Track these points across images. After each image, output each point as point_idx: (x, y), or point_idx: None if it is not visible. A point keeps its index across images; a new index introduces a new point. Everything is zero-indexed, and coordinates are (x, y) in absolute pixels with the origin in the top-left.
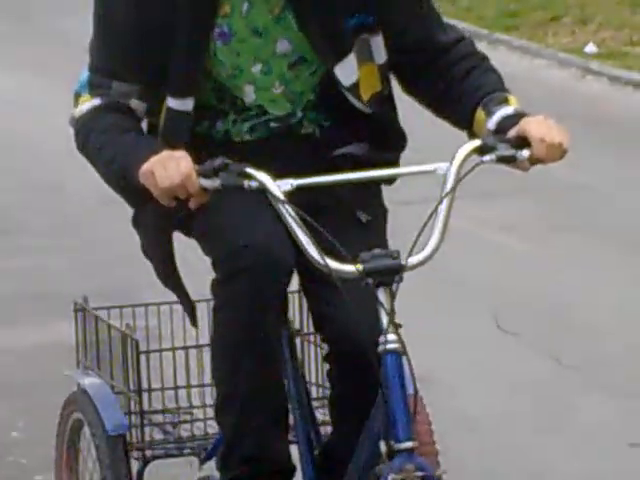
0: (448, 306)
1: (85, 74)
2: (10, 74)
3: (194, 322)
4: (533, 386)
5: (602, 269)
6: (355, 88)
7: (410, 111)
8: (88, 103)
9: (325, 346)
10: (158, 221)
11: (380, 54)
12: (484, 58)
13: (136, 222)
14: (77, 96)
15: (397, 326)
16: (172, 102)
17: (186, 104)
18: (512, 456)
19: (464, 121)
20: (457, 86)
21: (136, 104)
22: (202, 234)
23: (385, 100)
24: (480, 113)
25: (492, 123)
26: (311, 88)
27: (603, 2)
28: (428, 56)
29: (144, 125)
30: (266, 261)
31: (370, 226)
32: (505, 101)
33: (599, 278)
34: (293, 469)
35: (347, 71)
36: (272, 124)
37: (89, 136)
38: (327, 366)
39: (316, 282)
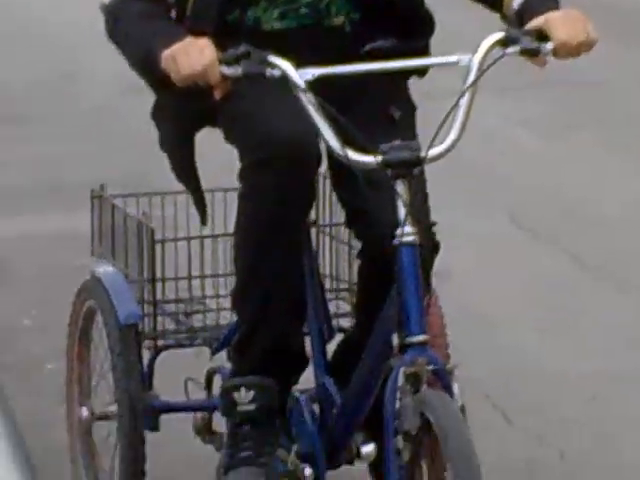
0: (463, 201)
1: None
2: None
3: (204, 220)
4: (547, 283)
5: (619, 166)
6: None
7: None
8: None
9: (343, 244)
10: (179, 112)
11: None
12: None
13: (155, 114)
14: None
15: (430, 222)
16: None
17: None
18: (523, 354)
19: (495, 4)
20: None
21: None
22: (229, 121)
23: None
24: None
25: (516, 3)
26: None
27: None
28: None
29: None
30: (294, 151)
31: (401, 122)
32: None
33: (615, 174)
34: (307, 361)
35: None
36: (302, 10)
37: (117, 23)
38: (357, 264)
39: (347, 176)
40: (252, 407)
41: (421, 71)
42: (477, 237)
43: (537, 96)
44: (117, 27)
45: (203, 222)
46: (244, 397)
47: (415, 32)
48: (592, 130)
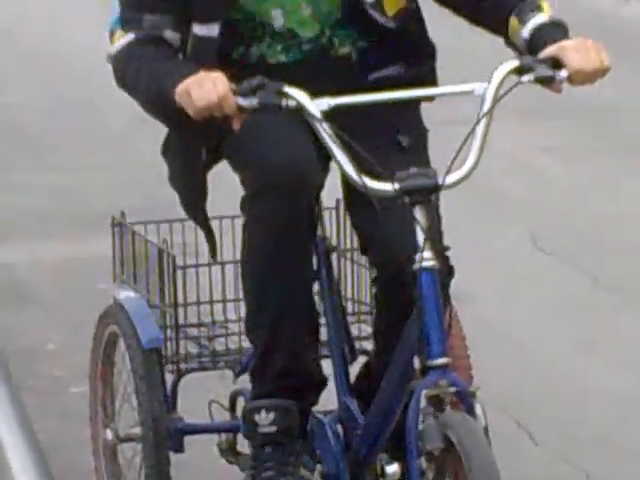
0: (486, 225)
1: (116, 9)
2: None
3: (213, 252)
4: (570, 305)
5: None
6: (378, 4)
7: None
8: (123, 39)
9: (363, 268)
10: (188, 148)
11: None
12: None
13: (165, 150)
14: (112, 33)
15: (443, 246)
16: (197, 28)
17: (211, 29)
18: (548, 374)
19: (499, 30)
20: None
21: (170, 35)
22: (232, 151)
23: (412, 15)
24: (514, 21)
25: (526, 31)
26: (337, 6)
27: None
28: None
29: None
30: (293, 179)
31: (411, 149)
32: (538, 8)
33: (637, 199)
34: (324, 382)
35: None
36: (304, 46)
37: (126, 69)
38: (373, 288)
39: (363, 204)
40: (273, 429)
41: (432, 98)
42: (500, 259)
43: (559, 121)
44: (127, 73)
45: (212, 255)
46: (265, 419)
47: (420, 58)
48: (613, 155)
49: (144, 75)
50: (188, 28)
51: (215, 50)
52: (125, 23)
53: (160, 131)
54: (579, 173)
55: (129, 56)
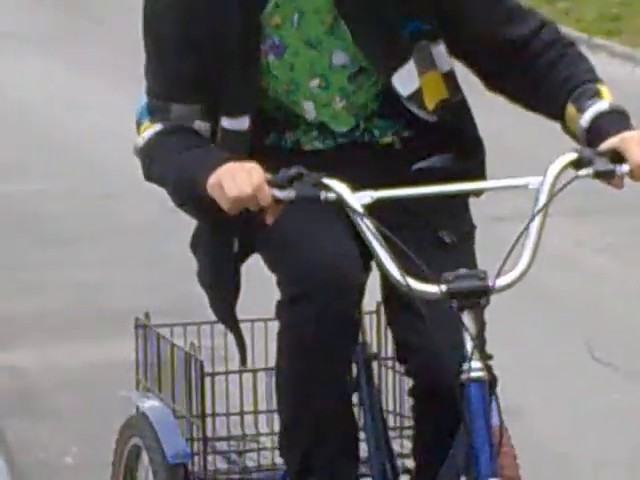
0: (540, 331)
1: (143, 99)
2: (69, 74)
3: (243, 359)
4: (626, 418)
5: None
6: (417, 97)
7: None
8: (150, 130)
9: (407, 377)
10: (220, 241)
11: (444, 61)
12: (570, 44)
13: (195, 244)
14: (138, 125)
15: (486, 355)
16: (226, 122)
17: (241, 123)
18: None
19: (556, 116)
20: (543, 80)
21: (199, 125)
22: (267, 247)
23: (456, 107)
24: (571, 108)
25: (585, 121)
26: (374, 97)
27: None
28: (505, 51)
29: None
30: (334, 284)
31: (455, 246)
32: (597, 94)
33: None
34: None
35: (406, 80)
36: (339, 139)
37: (154, 160)
38: (411, 400)
39: (402, 309)
40: None
41: (480, 192)
42: (552, 369)
43: (617, 220)
44: (155, 165)
45: (243, 361)
46: None
47: (468, 151)
48: None
49: (173, 166)
50: (217, 118)
51: (246, 141)
52: (152, 114)
53: (188, 224)
54: (635, 274)
55: (157, 146)
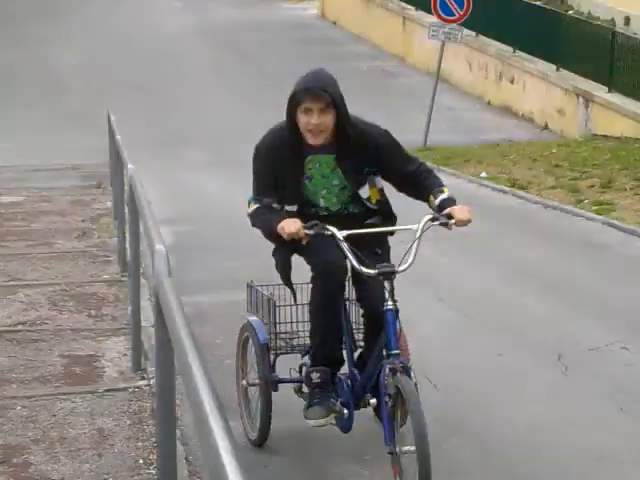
0: (414, 293)
1: (250, 194)
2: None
3: (294, 297)
4: (453, 338)
5: None
6: (368, 199)
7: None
8: (253, 206)
9: (360, 308)
10: (283, 251)
11: (379, 183)
12: (431, 171)
13: (273, 253)
14: (249, 204)
15: (394, 299)
16: (288, 207)
17: (293, 208)
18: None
19: (424, 201)
20: (420, 187)
21: (275, 206)
22: (306, 256)
23: (383, 202)
24: (431, 197)
25: (437, 202)
26: (348, 198)
27: (489, 154)
28: (406, 177)
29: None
30: (335, 269)
31: (382, 255)
32: (442, 191)
33: None
34: (343, 361)
35: (363, 192)
36: (334, 212)
37: (256, 220)
38: (363, 318)
39: (359, 280)
40: (319, 381)
41: (393, 232)
42: (420, 307)
43: (450, 242)
44: (257, 221)
45: (294, 299)
46: (315, 376)
47: (388, 220)
48: None
49: (264, 220)
50: (282, 206)
51: (296, 214)
52: (255, 200)
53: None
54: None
55: (256, 214)
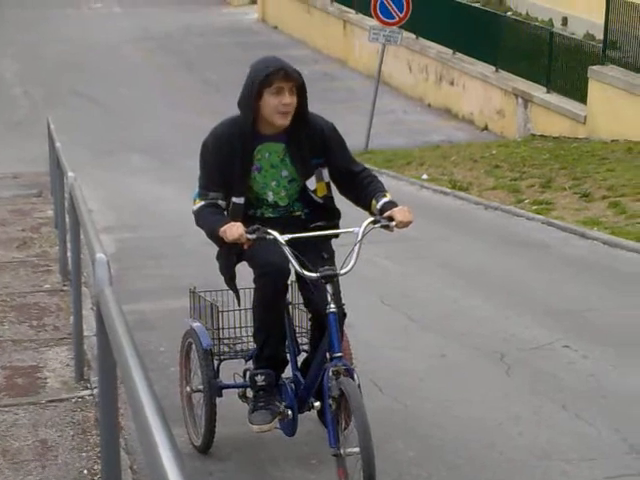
0: (357, 294)
1: (196, 190)
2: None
3: (238, 300)
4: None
5: None
6: (315, 191)
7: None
8: (198, 204)
9: (307, 312)
10: (226, 256)
11: (326, 176)
12: (374, 176)
13: (217, 257)
14: (194, 201)
15: (340, 302)
16: (235, 199)
17: (240, 200)
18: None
19: (366, 206)
20: (363, 191)
21: (221, 202)
22: (248, 259)
23: (329, 197)
24: (373, 201)
25: (379, 205)
26: (296, 192)
27: (431, 155)
28: (349, 177)
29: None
30: (277, 270)
31: (328, 259)
32: (384, 195)
33: None
34: (286, 363)
35: (311, 183)
36: (280, 210)
37: (199, 218)
38: (309, 321)
39: (304, 285)
40: (263, 383)
41: (337, 235)
42: (365, 309)
43: (394, 245)
44: (200, 220)
45: (237, 301)
46: (260, 379)
47: (333, 216)
48: None
49: (207, 221)
50: (229, 200)
51: (241, 210)
52: (200, 196)
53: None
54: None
55: (201, 212)
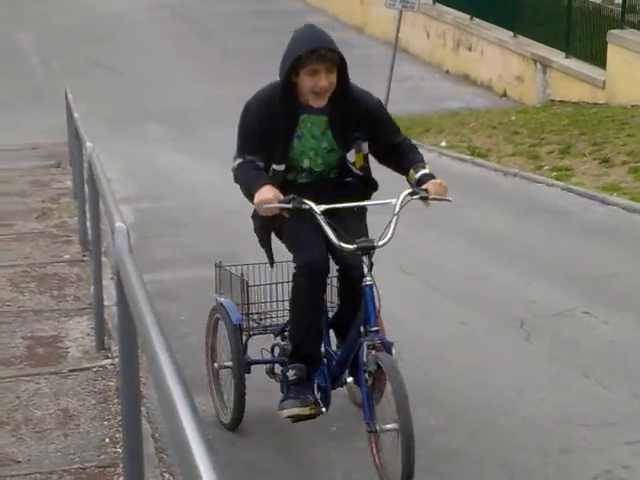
0: (383, 267)
1: (235, 151)
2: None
3: (272, 265)
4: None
5: None
6: (354, 163)
7: (387, 173)
8: (237, 161)
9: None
10: (262, 221)
11: (365, 148)
12: (414, 146)
13: (253, 217)
14: (234, 159)
15: (372, 275)
16: (275, 166)
17: (281, 167)
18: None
19: (405, 174)
20: (403, 160)
21: (259, 163)
22: (287, 243)
23: (367, 168)
24: (412, 172)
25: (417, 176)
26: (334, 160)
27: (449, 122)
28: (391, 150)
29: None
30: (316, 267)
31: (362, 229)
32: (423, 167)
33: None
34: (321, 361)
35: (350, 156)
36: (314, 175)
37: (238, 175)
38: (338, 296)
39: (339, 254)
40: (295, 378)
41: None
42: (388, 278)
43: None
44: (238, 177)
45: (271, 266)
46: (291, 374)
47: (370, 187)
48: None
49: (245, 179)
50: (267, 165)
51: (281, 176)
52: (238, 156)
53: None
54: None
55: (239, 169)
